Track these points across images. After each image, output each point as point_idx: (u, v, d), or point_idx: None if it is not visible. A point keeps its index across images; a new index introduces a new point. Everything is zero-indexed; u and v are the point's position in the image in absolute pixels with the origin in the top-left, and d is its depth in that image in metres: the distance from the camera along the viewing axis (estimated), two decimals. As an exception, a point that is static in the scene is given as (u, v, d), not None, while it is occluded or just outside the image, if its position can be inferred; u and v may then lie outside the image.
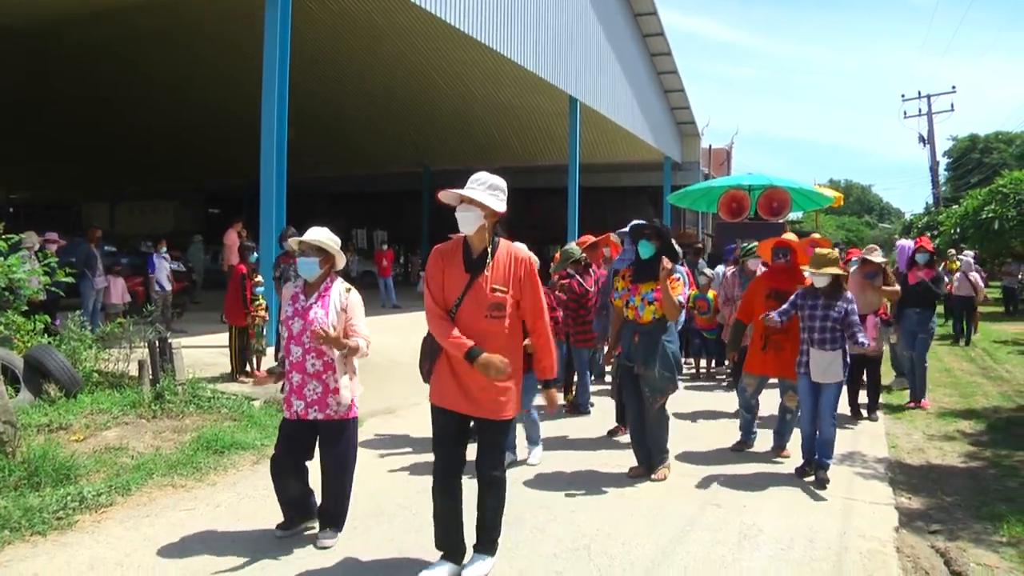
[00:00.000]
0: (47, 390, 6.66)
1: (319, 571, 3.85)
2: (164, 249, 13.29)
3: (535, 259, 3.76)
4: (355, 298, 4.13)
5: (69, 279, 7.92)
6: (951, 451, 6.53)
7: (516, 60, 14.39)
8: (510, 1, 14.00)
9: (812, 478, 5.45)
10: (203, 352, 9.32)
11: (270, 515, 4.42)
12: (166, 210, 34.70)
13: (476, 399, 3.61)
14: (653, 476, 5.43)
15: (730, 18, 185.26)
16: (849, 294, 5.47)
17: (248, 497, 4.90)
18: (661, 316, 5.32)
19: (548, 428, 7.05)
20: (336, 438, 4.11)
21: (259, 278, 8.53)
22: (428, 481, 3.73)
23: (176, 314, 13.64)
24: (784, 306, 5.61)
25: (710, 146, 29.89)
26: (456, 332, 3.55)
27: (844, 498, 5.08)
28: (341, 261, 4.17)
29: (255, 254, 8.91)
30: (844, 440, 6.63)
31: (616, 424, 6.77)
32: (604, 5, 18.53)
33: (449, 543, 3.74)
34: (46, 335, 7.52)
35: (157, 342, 7.02)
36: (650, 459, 5.51)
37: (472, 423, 3.72)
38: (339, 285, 4.13)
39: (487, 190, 3.59)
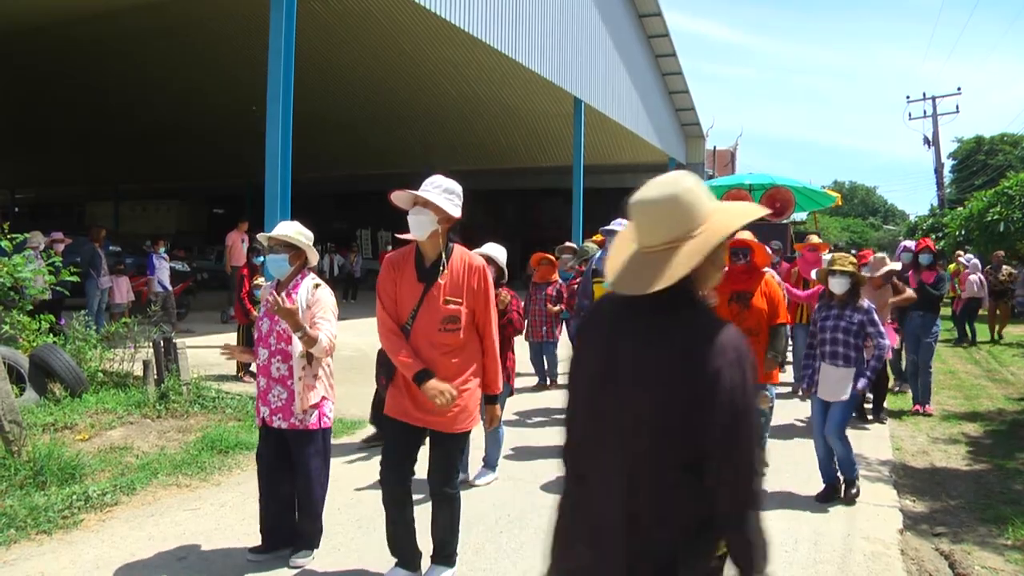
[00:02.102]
0: (52, 389, 6.69)
1: (323, 571, 3.86)
2: (163, 249, 13.33)
3: (489, 268, 3.59)
4: (324, 294, 3.88)
5: (74, 278, 7.94)
6: (955, 454, 6.52)
7: (520, 61, 14.40)
8: (515, 2, 14.01)
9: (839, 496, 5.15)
10: (208, 352, 9.33)
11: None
12: (169, 210, 34.81)
13: (429, 410, 3.46)
14: None
15: (733, 19, 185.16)
16: (866, 302, 5.21)
17: (253, 497, 4.88)
18: None
19: (554, 434, 7.05)
20: (301, 450, 3.85)
21: (259, 279, 8.55)
22: (427, 487, 3.68)
23: (180, 314, 13.68)
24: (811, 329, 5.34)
25: (714, 147, 29.92)
26: (406, 352, 3.40)
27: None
28: (313, 257, 3.97)
29: (261, 256, 8.88)
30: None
31: None
32: (609, 6, 18.53)
33: (401, 551, 3.65)
34: (51, 335, 7.54)
35: (162, 342, 7.04)
36: None
37: (427, 436, 3.59)
38: (308, 281, 3.89)
39: (442, 193, 3.41)
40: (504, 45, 13.72)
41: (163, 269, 12.98)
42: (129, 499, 4.80)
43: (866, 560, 4.13)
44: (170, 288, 13.00)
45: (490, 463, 5.52)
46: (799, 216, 34.63)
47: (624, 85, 19.90)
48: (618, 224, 6.18)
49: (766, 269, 7.32)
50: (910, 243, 9.52)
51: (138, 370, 7.28)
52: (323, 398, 3.90)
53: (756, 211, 1.89)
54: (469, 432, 3.65)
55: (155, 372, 6.94)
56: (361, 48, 16.64)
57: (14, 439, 4.98)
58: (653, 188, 1.78)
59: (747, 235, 6.34)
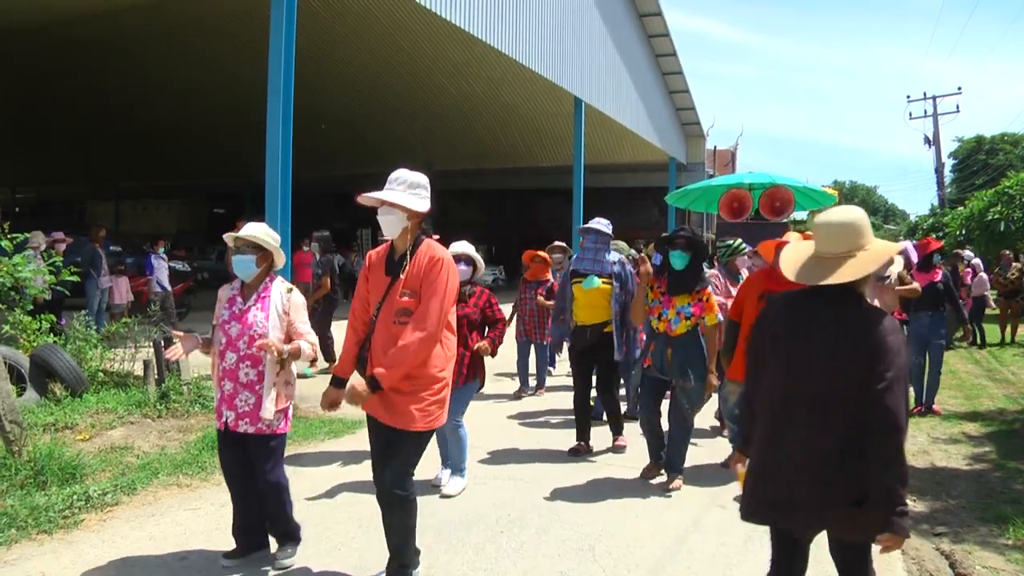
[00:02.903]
0: (53, 389, 6.68)
1: (323, 569, 3.86)
2: (162, 249, 13.34)
3: (450, 260, 3.46)
4: (297, 298, 3.87)
5: (74, 278, 7.93)
6: (956, 454, 6.51)
7: (521, 61, 14.39)
8: (515, 2, 14.00)
9: None
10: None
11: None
12: (170, 209, 34.85)
13: (389, 407, 3.40)
14: (671, 486, 5.24)
15: (733, 17, 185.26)
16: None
17: (253, 497, 4.90)
18: (693, 328, 5.19)
19: (556, 435, 7.06)
20: (266, 455, 3.79)
21: None
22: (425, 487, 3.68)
23: (181, 314, 13.69)
24: None
25: (715, 147, 29.90)
26: (350, 351, 3.56)
27: (849, 500, 5.06)
28: (280, 259, 3.90)
29: None
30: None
31: (577, 442, 6.16)
32: (609, 6, 18.53)
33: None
34: (52, 335, 7.53)
35: (163, 341, 7.03)
36: (662, 461, 5.40)
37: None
38: (279, 285, 3.85)
39: (407, 189, 3.41)
40: (504, 45, 13.71)
41: (162, 269, 12.99)
42: (130, 499, 4.80)
43: (867, 560, 4.12)
44: (169, 288, 13.00)
45: (455, 467, 5.17)
46: (799, 215, 34.61)
47: (624, 85, 19.90)
48: (597, 223, 6.04)
49: (745, 269, 7.17)
50: (908, 243, 9.48)
51: (139, 370, 7.27)
52: (290, 402, 3.88)
53: (896, 247, 2.78)
54: (429, 433, 3.52)
55: (156, 372, 6.94)
56: (360, 47, 16.64)
57: (15, 439, 4.98)
58: (836, 214, 2.64)
59: (796, 237, 6.06)
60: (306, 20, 10.34)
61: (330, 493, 5.03)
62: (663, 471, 5.41)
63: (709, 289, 5.22)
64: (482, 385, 5.29)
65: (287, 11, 8.87)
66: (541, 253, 8.66)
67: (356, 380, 3.39)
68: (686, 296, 5.15)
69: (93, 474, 5.12)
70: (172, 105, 20.81)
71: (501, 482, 5.38)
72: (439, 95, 20.10)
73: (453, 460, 5.18)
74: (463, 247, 5.13)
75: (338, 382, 3.56)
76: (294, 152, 8.98)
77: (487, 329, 5.23)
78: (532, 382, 8.80)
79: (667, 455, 5.38)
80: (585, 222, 6.40)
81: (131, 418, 6.35)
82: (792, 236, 6.22)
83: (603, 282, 5.88)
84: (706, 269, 9.13)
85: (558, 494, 5.13)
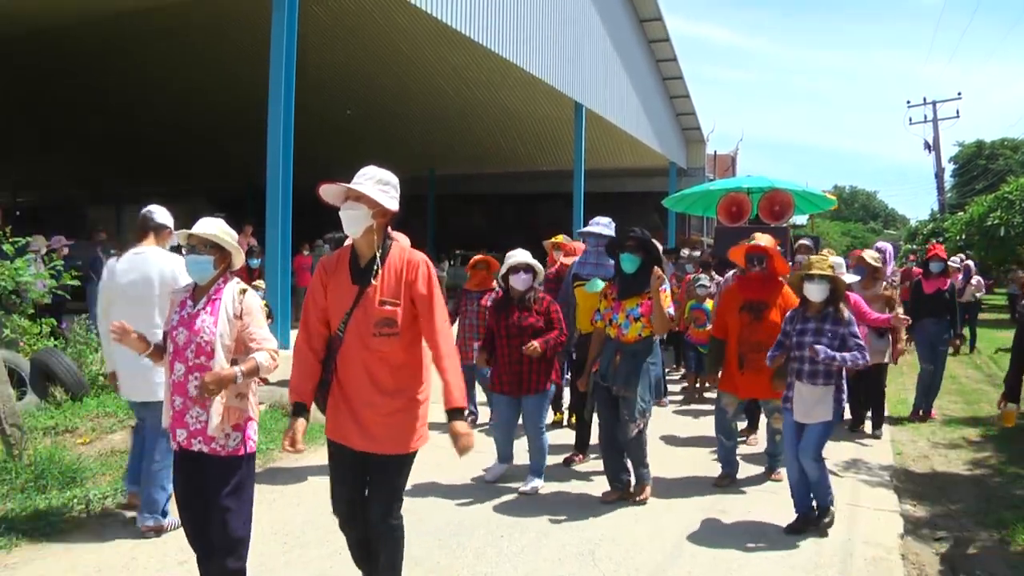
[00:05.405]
0: (53, 393, 6.67)
1: (324, 574, 3.86)
2: None
3: (430, 263, 3.17)
4: (251, 301, 3.40)
5: (75, 282, 7.93)
6: (956, 458, 6.51)
7: (521, 65, 14.42)
8: (516, 6, 14.03)
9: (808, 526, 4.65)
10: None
11: (274, 519, 4.42)
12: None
13: (371, 433, 3.10)
14: (638, 498, 5.06)
15: (732, 21, 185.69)
16: (848, 314, 4.60)
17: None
18: (647, 335, 4.96)
19: (556, 443, 7.05)
20: (221, 479, 3.25)
21: (260, 282, 8.53)
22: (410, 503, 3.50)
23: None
24: (779, 338, 4.77)
25: (715, 152, 29.90)
26: (307, 377, 3.14)
27: (849, 505, 5.07)
28: (239, 259, 3.49)
29: (256, 259, 8.82)
30: (849, 448, 6.62)
31: (575, 452, 6.06)
32: (610, 11, 18.56)
33: (367, 571, 3.37)
34: (52, 338, 7.53)
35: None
36: (623, 482, 5.13)
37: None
38: (232, 287, 3.39)
39: (376, 185, 3.09)
40: (504, 49, 13.74)
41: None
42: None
43: (867, 565, 4.13)
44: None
45: (535, 470, 5.34)
46: (798, 220, 34.58)
47: (625, 89, 19.93)
48: (596, 224, 5.93)
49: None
50: (887, 244, 9.40)
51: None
52: (248, 418, 3.36)
53: None
54: (414, 454, 3.22)
55: (156, 376, 6.93)
56: (361, 51, 16.65)
57: (15, 443, 4.98)
58: None
59: (766, 240, 5.76)
60: (305, 23, 10.36)
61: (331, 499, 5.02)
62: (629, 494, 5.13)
63: (664, 287, 4.92)
64: (560, 391, 5.46)
65: (288, 15, 8.91)
66: (488, 258, 7.23)
67: (459, 426, 3.00)
68: (636, 298, 4.95)
69: (93, 478, 5.12)
70: (172, 105, 20.78)
71: (501, 486, 5.38)
72: (439, 99, 20.10)
73: (533, 463, 5.38)
74: (522, 256, 5.22)
75: (301, 410, 3.12)
76: (294, 156, 9.00)
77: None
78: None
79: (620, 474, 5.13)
80: (585, 226, 6.33)
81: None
82: (764, 239, 5.80)
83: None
84: (709, 278, 8.58)
85: (558, 499, 5.13)
